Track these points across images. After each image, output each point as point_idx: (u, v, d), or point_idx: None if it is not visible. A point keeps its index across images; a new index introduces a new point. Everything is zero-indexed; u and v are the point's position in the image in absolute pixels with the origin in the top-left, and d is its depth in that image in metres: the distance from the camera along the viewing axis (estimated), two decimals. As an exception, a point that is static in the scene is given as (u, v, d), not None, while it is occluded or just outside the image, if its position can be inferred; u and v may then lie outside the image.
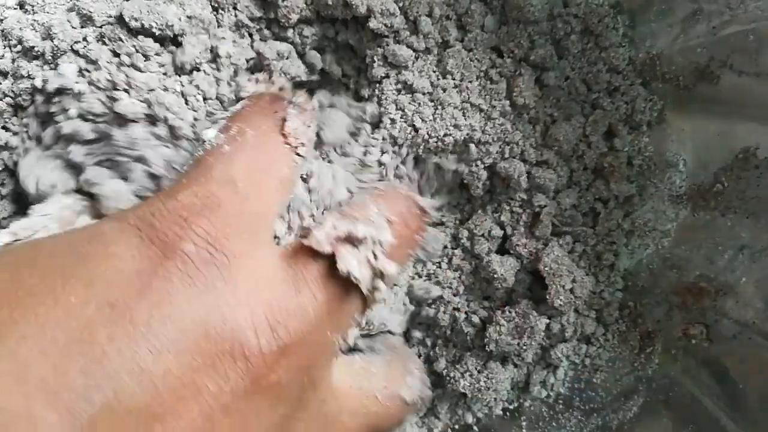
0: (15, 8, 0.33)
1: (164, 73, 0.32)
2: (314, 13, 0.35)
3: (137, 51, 0.31)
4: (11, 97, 0.32)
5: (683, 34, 0.36)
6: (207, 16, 0.32)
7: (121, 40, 0.31)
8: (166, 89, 0.31)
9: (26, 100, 0.33)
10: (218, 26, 0.33)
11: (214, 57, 0.33)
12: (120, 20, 0.31)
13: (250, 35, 0.35)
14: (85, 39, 0.31)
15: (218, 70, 0.33)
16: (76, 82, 0.31)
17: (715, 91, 0.35)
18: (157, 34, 0.31)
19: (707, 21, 0.34)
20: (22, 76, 0.32)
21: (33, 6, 0.33)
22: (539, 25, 0.36)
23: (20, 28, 0.32)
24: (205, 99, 0.32)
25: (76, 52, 0.31)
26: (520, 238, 0.37)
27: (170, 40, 0.32)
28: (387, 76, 0.35)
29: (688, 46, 0.35)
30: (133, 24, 0.31)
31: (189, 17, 0.32)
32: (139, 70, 0.31)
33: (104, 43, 0.31)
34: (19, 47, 0.32)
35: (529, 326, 0.36)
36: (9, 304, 0.19)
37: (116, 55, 0.31)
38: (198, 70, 0.32)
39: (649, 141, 0.38)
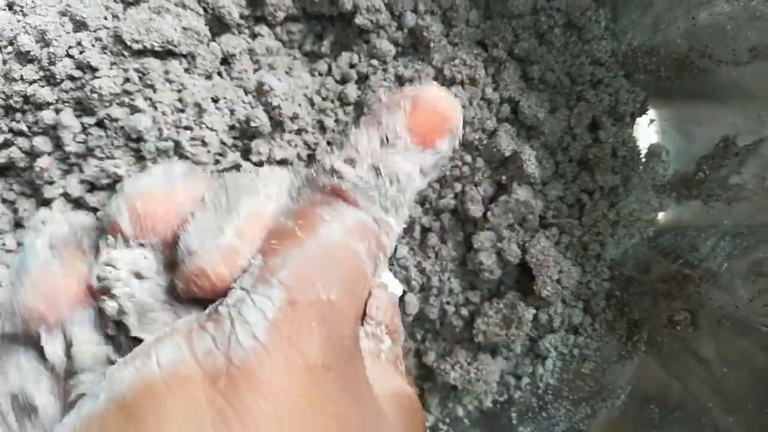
0: (4, 9, 0.33)
1: None
2: (300, 10, 0.35)
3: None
4: (2, 99, 0.32)
5: (663, 25, 0.36)
6: (201, 28, 0.32)
7: (123, 55, 0.31)
8: None
9: (17, 102, 0.33)
10: (210, 41, 0.33)
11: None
12: (119, 39, 0.31)
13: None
14: (80, 44, 0.32)
15: None
16: None
17: (695, 81, 0.35)
18: (159, 51, 0.31)
19: (686, 11, 0.34)
20: (15, 79, 0.32)
21: (23, 7, 0.33)
22: (523, 18, 0.36)
23: (12, 30, 0.32)
24: None
25: (71, 57, 0.32)
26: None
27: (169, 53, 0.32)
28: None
29: (669, 38, 0.36)
30: (135, 46, 0.31)
31: (185, 29, 0.32)
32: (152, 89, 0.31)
33: (104, 53, 0.31)
34: (10, 48, 0.33)
35: (516, 317, 0.36)
36: None
37: (115, 65, 0.31)
38: None
39: (632, 132, 0.38)
